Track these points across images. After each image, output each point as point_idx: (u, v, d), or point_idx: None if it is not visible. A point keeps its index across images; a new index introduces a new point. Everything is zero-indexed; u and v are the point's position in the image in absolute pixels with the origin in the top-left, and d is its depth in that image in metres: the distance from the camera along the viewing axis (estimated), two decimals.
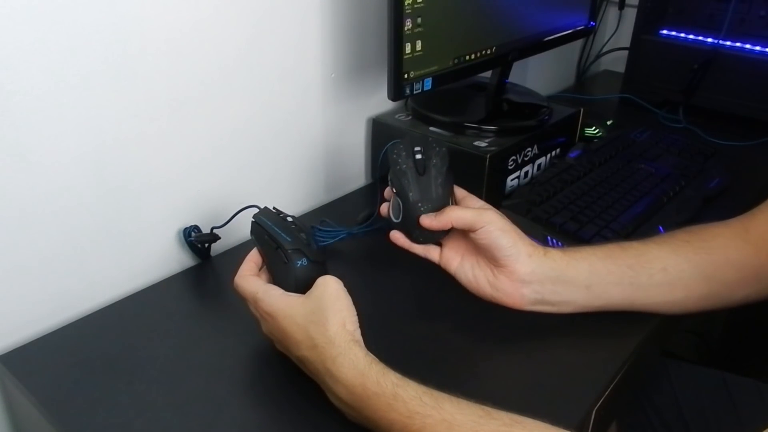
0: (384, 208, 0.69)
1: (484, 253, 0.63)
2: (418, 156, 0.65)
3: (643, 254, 0.64)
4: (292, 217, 0.62)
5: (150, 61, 0.65)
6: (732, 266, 0.64)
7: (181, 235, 0.74)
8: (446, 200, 0.64)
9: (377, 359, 0.51)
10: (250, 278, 0.59)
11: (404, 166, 0.64)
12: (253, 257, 0.61)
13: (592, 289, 0.62)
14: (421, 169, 0.64)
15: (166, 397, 0.56)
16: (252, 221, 0.62)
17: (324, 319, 0.52)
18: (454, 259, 0.66)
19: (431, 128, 0.87)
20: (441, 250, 0.67)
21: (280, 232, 0.60)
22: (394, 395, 0.48)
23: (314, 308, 0.53)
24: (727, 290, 0.65)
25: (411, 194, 0.63)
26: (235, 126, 0.76)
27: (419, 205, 0.63)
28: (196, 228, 0.74)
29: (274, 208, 0.64)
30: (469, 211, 0.62)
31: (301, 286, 0.58)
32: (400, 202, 0.64)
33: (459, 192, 0.67)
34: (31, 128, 0.58)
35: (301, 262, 0.58)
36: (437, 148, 0.65)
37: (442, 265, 0.67)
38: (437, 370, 0.59)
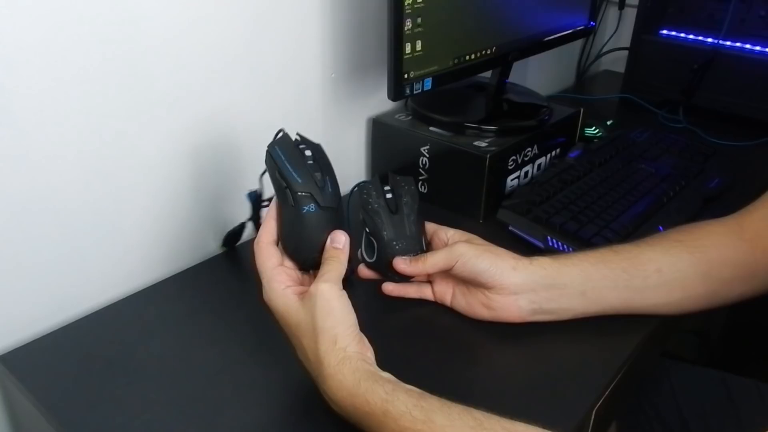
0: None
1: (471, 282, 0.63)
2: (389, 195, 0.65)
3: (636, 257, 0.63)
4: (313, 149, 0.57)
5: (149, 60, 0.65)
6: (727, 264, 0.64)
7: (180, 235, 0.74)
8: (419, 237, 0.65)
9: (368, 372, 0.50)
10: (265, 251, 0.55)
11: (376, 205, 0.64)
12: (274, 214, 0.57)
13: (587, 294, 0.62)
14: (393, 207, 0.65)
15: (166, 397, 0.56)
16: (266, 151, 0.57)
17: (315, 336, 0.51)
18: (446, 293, 0.66)
19: (431, 128, 0.87)
20: (432, 287, 0.67)
21: (291, 170, 0.54)
22: (384, 412, 0.47)
23: (307, 321, 0.52)
24: (724, 288, 0.65)
25: (385, 233, 0.64)
26: (235, 127, 0.76)
27: (394, 243, 0.64)
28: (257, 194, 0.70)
29: (298, 134, 0.59)
30: (438, 254, 0.62)
31: (307, 233, 0.55)
32: (374, 242, 0.65)
33: (430, 226, 0.67)
34: (31, 128, 0.58)
35: (308, 209, 0.54)
36: (406, 186, 0.66)
37: (438, 301, 0.67)
38: (437, 371, 0.59)
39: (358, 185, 0.67)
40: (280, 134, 0.58)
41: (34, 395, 0.56)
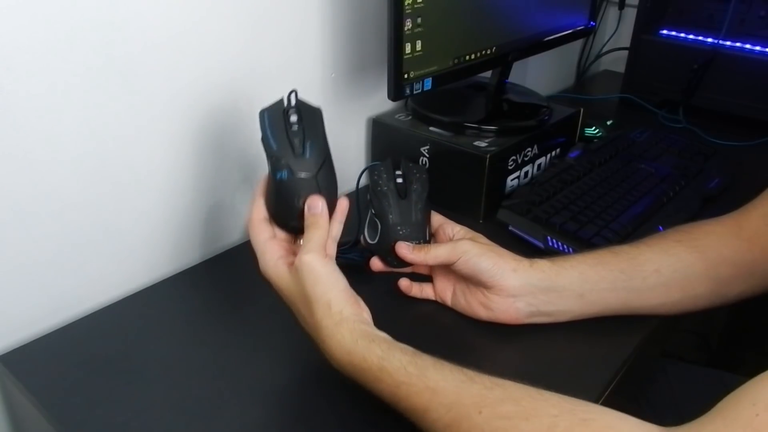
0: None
1: (471, 280, 0.63)
2: (399, 180, 0.65)
3: (634, 257, 0.63)
4: (304, 114, 0.56)
5: (149, 60, 0.65)
6: (726, 263, 0.64)
7: (181, 235, 0.74)
8: (424, 226, 0.65)
9: (364, 332, 0.52)
10: (257, 227, 0.58)
11: (385, 188, 0.64)
12: (262, 191, 0.59)
13: (585, 296, 0.62)
14: (402, 193, 0.64)
15: (166, 397, 0.56)
16: (259, 113, 0.57)
17: (309, 304, 0.53)
18: (447, 290, 0.67)
19: (431, 128, 0.87)
20: (434, 285, 0.68)
21: (270, 136, 0.54)
22: (380, 368, 0.50)
23: (299, 291, 0.54)
24: (723, 287, 0.65)
25: (391, 217, 0.63)
26: (234, 126, 0.76)
27: (398, 228, 0.64)
28: None
29: (296, 98, 0.57)
30: (442, 247, 0.63)
31: (282, 200, 0.55)
32: (379, 224, 0.64)
33: (436, 218, 0.67)
34: (31, 128, 0.58)
35: (281, 175, 0.54)
36: (418, 174, 0.66)
37: (439, 299, 0.68)
38: None
39: (369, 167, 0.67)
40: (277, 100, 0.58)
41: (34, 395, 0.56)
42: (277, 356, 0.61)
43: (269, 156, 0.55)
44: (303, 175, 0.54)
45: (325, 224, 0.55)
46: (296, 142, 0.54)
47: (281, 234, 0.59)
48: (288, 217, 0.56)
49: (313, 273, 0.53)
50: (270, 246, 0.57)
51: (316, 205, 0.56)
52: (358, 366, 0.51)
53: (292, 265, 0.55)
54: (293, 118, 0.56)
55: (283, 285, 0.56)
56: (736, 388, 0.42)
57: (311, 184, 0.55)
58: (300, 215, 0.55)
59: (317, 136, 0.56)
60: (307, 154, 0.55)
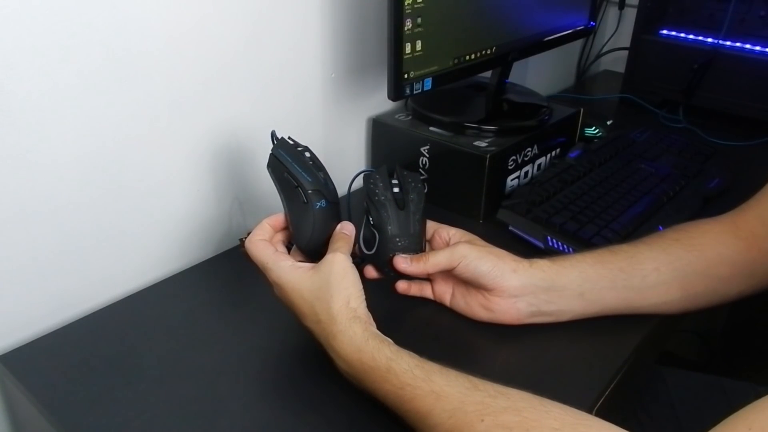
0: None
1: (471, 283, 0.63)
2: (396, 189, 0.64)
3: (633, 256, 0.63)
4: (309, 152, 0.63)
5: (149, 60, 0.65)
6: (725, 262, 0.64)
7: (181, 236, 0.74)
8: (422, 237, 0.65)
9: (375, 333, 0.53)
10: (260, 244, 0.60)
11: (383, 197, 0.63)
12: (270, 221, 0.62)
13: (585, 295, 0.62)
14: (400, 203, 0.64)
15: (166, 397, 0.56)
16: (270, 154, 0.62)
17: (329, 296, 0.54)
18: (446, 292, 0.67)
19: (431, 128, 0.87)
20: (432, 286, 0.68)
21: (300, 170, 0.60)
22: (388, 369, 0.50)
23: (321, 285, 0.55)
24: (723, 286, 0.65)
25: (389, 228, 0.63)
26: (234, 126, 0.76)
27: (397, 240, 0.63)
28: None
29: (289, 138, 0.63)
30: (440, 254, 0.62)
31: (318, 226, 0.60)
32: (377, 234, 0.64)
33: (430, 225, 0.67)
34: (31, 128, 0.58)
35: (320, 204, 0.60)
36: (413, 183, 0.65)
37: (437, 300, 0.68)
38: None
39: (363, 173, 0.67)
40: (279, 138, 0.63)
41: (34, 395, 0.56)
42: (278, 355, 0.61)
43: (303, 188, 0.60)
44: (334, 203, 0.62)
45: (352, 242, 0.61)
46: (321, 175, 0.61)
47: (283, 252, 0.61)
48: (321, 242, 0.61)
49: (344, 268, 0.56)
50: (281, 256, 0.59)
51: (348, 228, 0.62)
52: (366, 364, 0.51)
53: (309, 267, 0.57)
54: (307, 154, 0.62)
55: (303, 283, 0.56)
56: (735, 413, 0.42)
57: (338, 211, 0.63)
58: (327, 240, 0.61)
59: (325, 169, 0.63)
60: (330, 185, 0.62)
